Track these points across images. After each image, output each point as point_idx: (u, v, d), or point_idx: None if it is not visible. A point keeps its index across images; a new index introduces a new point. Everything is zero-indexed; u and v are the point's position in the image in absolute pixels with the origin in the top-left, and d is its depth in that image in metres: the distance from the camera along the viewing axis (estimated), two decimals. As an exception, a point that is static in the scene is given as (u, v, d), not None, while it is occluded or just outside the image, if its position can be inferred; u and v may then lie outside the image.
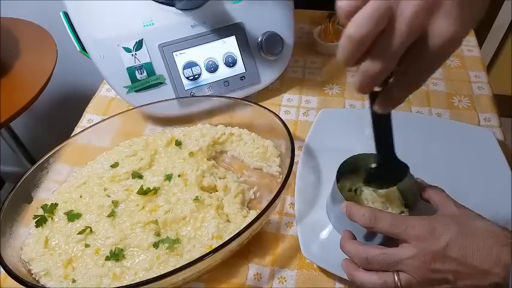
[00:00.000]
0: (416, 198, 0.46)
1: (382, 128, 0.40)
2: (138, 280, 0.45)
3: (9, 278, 0.45)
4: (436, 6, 0.30)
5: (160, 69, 0.63)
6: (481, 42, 1.23)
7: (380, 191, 0.50)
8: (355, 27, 0.29)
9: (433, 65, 0.32)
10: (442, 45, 0.30)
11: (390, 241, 0.41)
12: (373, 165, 0.44)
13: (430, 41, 0.30)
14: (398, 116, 0.65)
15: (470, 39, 0.81)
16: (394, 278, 0.38)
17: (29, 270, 0.47)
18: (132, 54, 0.61)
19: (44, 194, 0.55)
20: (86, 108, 0.71)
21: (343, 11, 0.29)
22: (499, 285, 0.36)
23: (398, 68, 0.32)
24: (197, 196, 0.52)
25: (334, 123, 0.63)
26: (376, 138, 0.41)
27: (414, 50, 0.31)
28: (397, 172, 0.44)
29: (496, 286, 0.36)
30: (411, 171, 0.47)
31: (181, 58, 0.64)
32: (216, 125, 0.62)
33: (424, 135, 0.61)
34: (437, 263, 0.37)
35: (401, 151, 0.50)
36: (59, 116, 1.20)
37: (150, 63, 0.62)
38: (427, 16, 0.30)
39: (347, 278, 0.45)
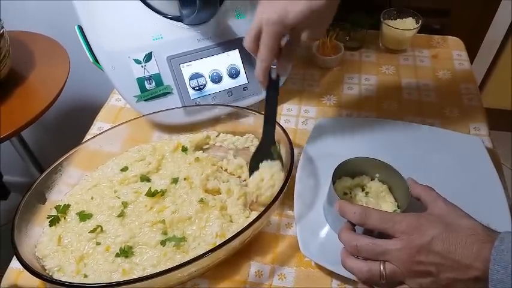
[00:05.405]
0: (407, 199, 0.49)
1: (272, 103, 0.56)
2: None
3: (25, 273, 0.48)
4: None
5: (168, 79, 0.67)
6: (472, 57, 1.28)
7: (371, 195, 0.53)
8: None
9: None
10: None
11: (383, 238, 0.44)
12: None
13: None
14: (392, 125, 0.69)
15: (461, 54, 0.86)
16: (380, 267, 0.41)
17: (43, 266, 0.50)
18: (141, 66, 0.65)
19: (56, 196, 0.58)
20: (97, 117, 0.75)
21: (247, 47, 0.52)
22: (479, 279, 0.38)
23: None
24: (202, 198, 0.55)
25: (331, 131, 0.66)
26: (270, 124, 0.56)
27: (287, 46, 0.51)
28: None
29: (476, 280, 0.38)
30: (403, 174, 0.51)
31: (187, 70, 0.68)
32: (222, 133, 0.66)
33: (416, 143, 0.64)
34: (422, 256, 0.40)
35: (395, 157, 0.53)
36: (67, 126, 1.24)
37: (159, 74, 0.66)
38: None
39: (343, 274, 0.47)
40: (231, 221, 0.54)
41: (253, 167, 0.57)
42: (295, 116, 0.73)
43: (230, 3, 0.69)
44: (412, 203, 0.48)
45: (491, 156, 0.61)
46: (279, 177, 0.54)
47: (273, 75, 0.54)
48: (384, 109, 0.74)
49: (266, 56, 0.50)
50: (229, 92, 0.70)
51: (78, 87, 1.13)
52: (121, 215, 0.54)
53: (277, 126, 0.59)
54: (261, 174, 0.55)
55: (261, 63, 0.51)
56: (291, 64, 0.53)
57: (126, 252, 0.50)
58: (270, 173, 0.55)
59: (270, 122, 0.56)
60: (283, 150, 0.57)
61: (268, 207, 0.49)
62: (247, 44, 0.51)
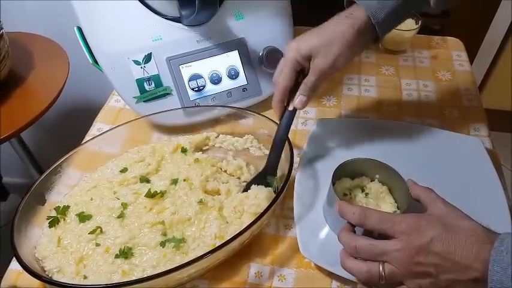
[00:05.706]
0: (406, 200, 0.49)
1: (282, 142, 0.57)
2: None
3: (24, 274, 0.48)
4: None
5: (167, 81, 0.67)
6: (472, 57, 1.28)
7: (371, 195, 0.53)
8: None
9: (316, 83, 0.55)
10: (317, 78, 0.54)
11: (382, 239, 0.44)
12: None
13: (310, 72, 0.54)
14: (391, 126, 0.69)
15: (461, 54, 0.86)
16: (379, 268, 0.41)
17: (43, 268, 0.50)
18: (141, 67, 0.65)
19: (55, 197, 0.58)
20: (96, 118, 0.75)
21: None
22: (478, 279, 0.38)
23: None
24: (201, 199, 0.55)
25: (331, 131, 0.66)
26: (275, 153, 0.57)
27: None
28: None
29: (475, 281, 0.38)
30: (403, 175, 0.51)
31: (187, 71, 0.68)
32: (222, 134, 0.66)
33: (416, 144, 0.64)
34: (421, 257, 0.39)
35: (394, 158, 0.53)
36: (67, 127, 1.24)
37: (158, 75, 0.66)
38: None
39: (343, 275, 0.47)
40: (227, 222, 0.54)
41: (245, 189, 0.57)
42: (295, 117, 0.73)
43: (229, 4, 0.69)
44: (412, 204, 0.48)
45: (491, 157, 0.61)
46: (263, 196, 0.54)
47: (289, 107, 0.56)
48: (383, 110, 0.74)
49: (281, 82, 0.54)
50: (229, 93, 0.70)
51: (77, 88, 1.13)
52: (120, 216, 0.54)
53: (276, 127, 0.59)
54: (247, 194, 0.55)
55: (276, 89, 0.55)
56: (307, 100, 0.56)
57: (125, 254, 0.50)
58: (255, 193, 0.55)
59: (275, 154, 0.57)
60: (283, 153, 0.57)
61: (267, 209, 0.49)
62: (275, 76, 0.56)
